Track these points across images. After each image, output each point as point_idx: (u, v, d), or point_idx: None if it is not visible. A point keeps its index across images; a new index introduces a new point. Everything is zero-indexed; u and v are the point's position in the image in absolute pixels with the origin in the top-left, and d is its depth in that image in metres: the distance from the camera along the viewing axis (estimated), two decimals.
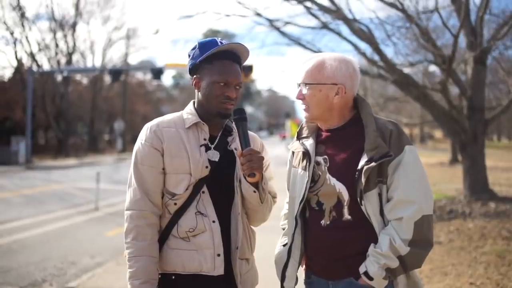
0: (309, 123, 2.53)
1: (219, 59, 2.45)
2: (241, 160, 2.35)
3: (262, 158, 2.38)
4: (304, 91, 2.41)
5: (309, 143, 2.46)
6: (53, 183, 19.91)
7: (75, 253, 8.33)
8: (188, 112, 2.55)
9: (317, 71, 2.39)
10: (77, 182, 20.08)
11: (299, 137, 2.55)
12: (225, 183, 2.48)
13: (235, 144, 2.55)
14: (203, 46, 2.49)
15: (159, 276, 2.41)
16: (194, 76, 2.52)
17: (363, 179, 2.22)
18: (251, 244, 2.59)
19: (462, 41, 12.04)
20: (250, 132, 2.69)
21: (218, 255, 2.39)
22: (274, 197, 2.64)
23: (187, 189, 2.40)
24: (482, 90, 11.79)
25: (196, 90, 2.54)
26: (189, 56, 2.55)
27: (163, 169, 2.43)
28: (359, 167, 2.24)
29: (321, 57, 2.44)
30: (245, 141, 2.38)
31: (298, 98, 2.45)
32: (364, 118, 2.37)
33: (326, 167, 2.38)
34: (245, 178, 2.39)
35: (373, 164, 2.21)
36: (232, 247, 2.46)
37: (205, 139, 2.49)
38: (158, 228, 2.44)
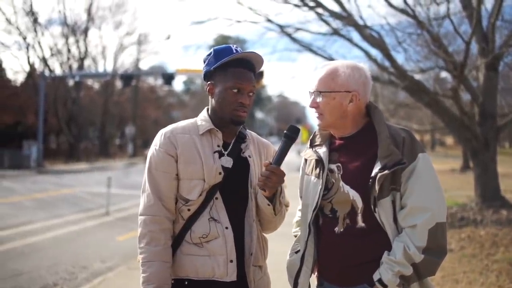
0: (322, 130, 2.54)
1: (233, 67, 2.46)
2: (262, 171, 2.38)
3: (281, 181, 2.40)
4: (318, 99, 2.42)
5: (322, 151, 2.47)
6: (64, 187, 20.01)
7: (86, 257, 8.36)
8: (202, 118, 2.57)
9: (330, 79, 2.40)
10: (88, 187, 20.18)
11: (312, 145, 2.56)
12: (239, 190, 2.50)
13: (248, 151, 2.57)
14: (218, 53, 2.51)
15: (172, 282, 2.42)
16: (208, 82, 2.54)
17: (376, 187, 2.22)
18: (264, 251, 2.61)
19: (474, 47, 11.98)
20: (264, 140, 2.72)
21: (231, 261, 2.40)
22: (286, 205, 2.64)
23: (200, 195, 2.42)
24: (494, 96, 11.72)
25: (209, 97, 2.56)
26: (204, 62, 2.58)
27: (177, 175, 2.45)
28: (372, 174, 2.25)
29: (333, 65, 2.45)
30: (279, 158, 2.39)
31: (311, 106, 2.45)
32: (377, 125, 2.38)
33: (339, 175, 2.38)
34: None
35: (386, 171, 2.21)
36: (246, 253, 2.47)
37: (218, 146, 2.50)
38: (171, 233, 2.45)
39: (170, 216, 2.45)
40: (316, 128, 2.59)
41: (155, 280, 2.35)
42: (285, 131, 2.44)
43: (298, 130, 2.45)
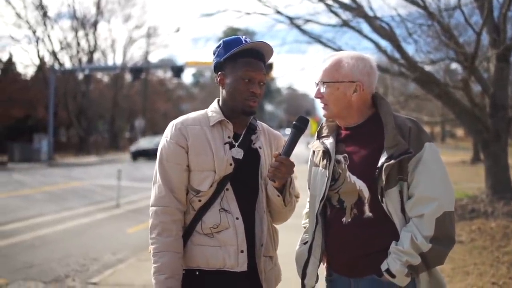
0: (328, 122, 2.55)
1: (243, 57, 2.47)
2: (272, 162, 2.38)
3: (291, 172, 2.40)
4: (322, 89, 2.43)
5: (329, 142, 2.47)
6: (75, 180, 20.14)
7: (97, 249, 8.42)
8: (213, 110, 2.57)
9: (334, 69, 2.41)
10: (98, 179, 20.30)
11: (319, 136, 2.57)
12: (249, 181, 2.51)
13: (259, 143, 2.58)
14: (227, 44, 2.52)
15: (183, 272, 2.44)
16: (219, 73, 2.54)
17: (383, 177, 2.22)
18: (274, 241, 2.62)
19: (485, 38, 11.89)
20: (274, 131, 2.72)
21: (242, 251, 2.41)
22: (297, 197, 2.64)
23: (211, 186, 2.43)
24: (505, 87, 11.63)
25: (220, 88, 2.57)
26: (213, 54, 2.58)
27: (188, 166, 2.46)
28: (379, 164, 2.25)
29: (338, 56, 2.46)
30: (288, 148, 2.39)
31: (316, 96, 2.47)
32: (383, 115, 2.38)
33: (346, 165, 2.39)
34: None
35: (393, 161, 2.21)
36: (256, 244, 2.48)
37: (229, 137, 2.51)
38: (182, 224, 2.46)
39: (181, 207, 2.46)
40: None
41: (167, 270, 2.36)
42: (294, 122, 2.44)
43: (307, 120, 2.44)
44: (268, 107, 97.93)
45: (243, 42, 2.50)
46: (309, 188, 2.58)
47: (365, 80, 2.40)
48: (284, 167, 2.35)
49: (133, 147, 37.09)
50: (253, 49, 2.50)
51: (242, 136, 2.54)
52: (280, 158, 2.35)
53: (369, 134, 2.39)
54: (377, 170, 2.25)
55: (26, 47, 65.90)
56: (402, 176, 2.26)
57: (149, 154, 33.36)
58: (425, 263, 2.20)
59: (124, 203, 13.62)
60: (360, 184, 2.32)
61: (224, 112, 2.53)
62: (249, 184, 2.51)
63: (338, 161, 2.41)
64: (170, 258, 2.37)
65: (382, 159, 2.24)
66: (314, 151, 2.58)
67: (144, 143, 36.99)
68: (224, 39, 2.58)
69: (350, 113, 2.43)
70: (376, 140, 2.33)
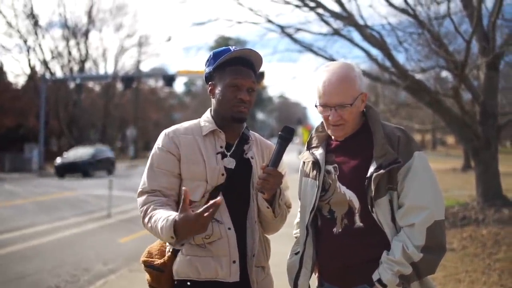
0: (318, 132, 2.54)
1: (231, 65, 2.49)
2: (259, 174, 2.38)
3: (279, 183, 2.39)
4: (342, 111, 2.35)
5: (319, 152, 2.47)
6: (66, 190, 20.04)
7: (88, 259, 8.37)
8: (205, 119, 2.58)
9: (349, 87, 2.34)
10: (90, 189, 20.19)
11: (309, 147, 2.56)
12: (241, 191, 2.50)
13: (251, 153, 2.58)
14: (216, 55, 2.55)
15: (175, 282, 2.43)
16: (209, 83, 2.57)
17: (373, 187, 2.22)
18: (266, 252, 2.61)
19: (475, 46, 11.96)
20: (267, 141, 2.72)
21: (234, 262, 2.40)
22: (288, 207, 2.64)
23: (203, 196, 2.42)
24: (495, 95, 11.70)
25: (211, 98, 2.58)
26: (205, 65, 2.61)
27: (179, 174, 2.46)
28: (368, 174, 2.25)
29: (341, 70, 2.37)
30: (275, 159, 2.38)
31: (335, 123, 2.37)
32: (372, 125, 2.38)
33: (336, 176, 2.39)
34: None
35: (382, 171, 2.22)
36: (248, 254, 2.47)
37: (221, 147, 2.51)
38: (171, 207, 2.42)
39: (168, 200, 2.44)
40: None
41: (166, 217, 2.25)
42: (279, 133, 2.43)
43: (293, 130, 2.44)
44: (260, 115, 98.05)
45: (232, 51, 2.52)
46: (299, 199, 2.58)
47: (364, 88, 2.40)
48: (272, 178, 2.34)
49: (59, 160, 29.61)
50: (241, 57, 2.52)
51: (234, 146, 2.55)
52: (267, 169, 2.34)
53: (359, 144, 2.39)
54: (366, 180, 2.25)
55: (17, 56, 65.88)
56: (392, 185, 2.26)
57: (76, 169, 28.68)
58: (416, 272, 2.20)
59: (115, 213, 13.55)
60: (350, 195, 2.32)
61: (217, 122, 2.54)
62: (241, 194, 2.50)
63: (328, 172, 2.41)
64: (163, 212, 2.32)
65: (371, 169, 2.24)
66: (304, 162, 2.58)
67: (71, 155, 30.65)
68: (214, 50, 2.60)
69: (353, 126, 2.42)
70: (365, 150, 2.33)
